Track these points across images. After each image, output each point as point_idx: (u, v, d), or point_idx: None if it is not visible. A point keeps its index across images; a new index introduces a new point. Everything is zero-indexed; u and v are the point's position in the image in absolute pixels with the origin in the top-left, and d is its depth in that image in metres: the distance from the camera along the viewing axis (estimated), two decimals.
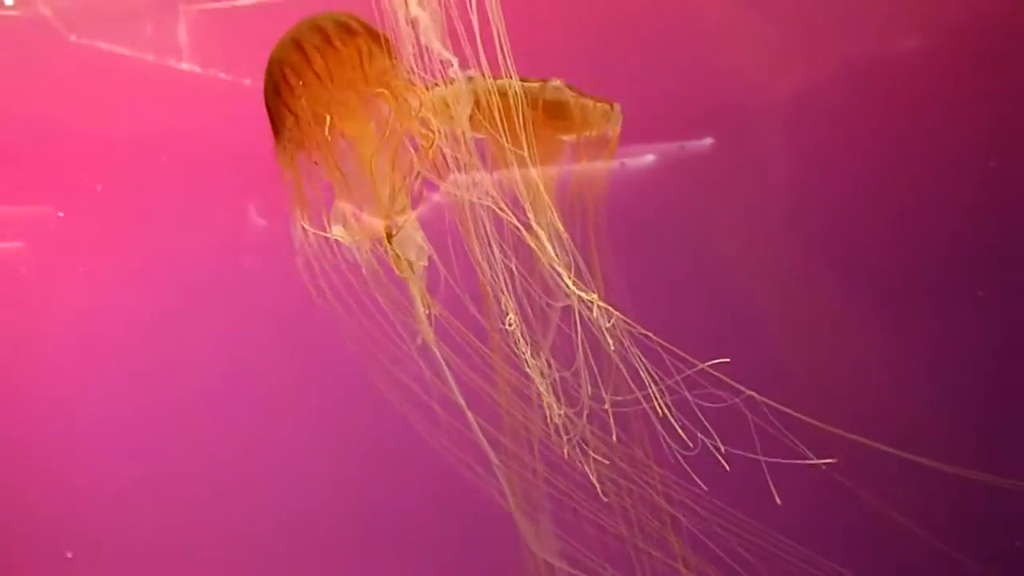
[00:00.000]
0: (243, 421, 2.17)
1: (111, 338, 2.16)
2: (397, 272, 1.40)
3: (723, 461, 1.29)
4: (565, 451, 1.34)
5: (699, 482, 1.43)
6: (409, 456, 1.99)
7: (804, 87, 2.02)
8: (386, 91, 1.36)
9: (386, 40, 1.34)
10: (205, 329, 2.16)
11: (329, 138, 1.36)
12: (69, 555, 2.17)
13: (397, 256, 1.38)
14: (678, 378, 1.29)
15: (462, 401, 1.45)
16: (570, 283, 1.28)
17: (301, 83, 1.34)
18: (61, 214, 2.16)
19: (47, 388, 2.16)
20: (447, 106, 1.35)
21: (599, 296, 1.29)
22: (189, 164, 2.13)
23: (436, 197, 1.46)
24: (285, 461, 2.17)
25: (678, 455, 1.33)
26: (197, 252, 2.14)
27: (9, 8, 2.09)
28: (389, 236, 1.37)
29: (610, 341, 1.28)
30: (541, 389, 1.33)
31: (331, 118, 1.36)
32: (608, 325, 1.29)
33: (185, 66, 2.09)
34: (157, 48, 2.10)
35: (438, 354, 1.44)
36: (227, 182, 2.11)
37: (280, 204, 1.53)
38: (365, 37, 1.35)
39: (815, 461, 1.32)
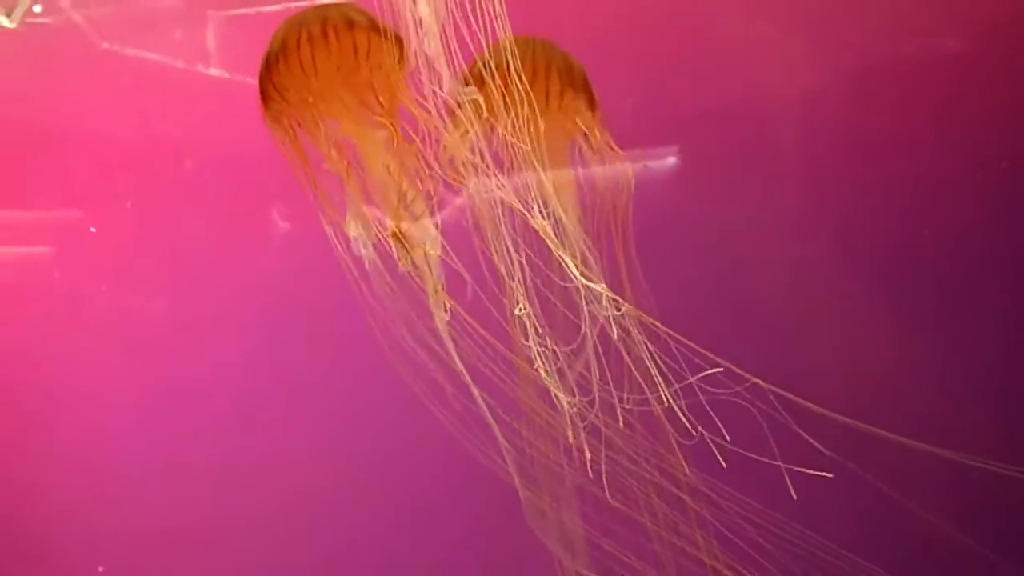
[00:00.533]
0: (271, 422, 2.19)
1: (137, 339, 2.18)
2: (401, 265, 1.40)
3: (720, 458, 1.30)
4: (569, 434, 1.34)
5: (720, 480, 1.43)
6: (430, 454, 2.00)
7: (817, 89, 2.02)
8: (381, 107, 1.37)
9: (389, 36, 1.34)
10: (229, 331, 2.18)
11: (322, 130, 1.38)
12: (100, 570, 2.18)
13: (404, 249, 1.38)
14: (695, 379, 1.29)
15: (479, 395, 1.45)
16: (577, 273, 1.29)
17: (288, 69, 1.35)
18: (93, 229, 2.19)
19: (79, 397, 2.19)
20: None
21: (607, 287, 1.30)
22: (215, 168, 2.15)
23: (458, 200, 1.47)
24: (317, 464, 2.18)
25: (691, 450, 1.34)
26: (221, 255, 2.17)
27: (41, 16, 2.12)
28: (397, 229, 1.38)
29: (614, 328, 1.29)
30: (545, 375, 1.33)
31: (320, 110, 1.37)
32: (617, 315, 1.29)
33: (213, 71, 2.12)
34: (186, 54, 2.13)
35: (453, 349, 1.44)
36: (251, 186, 2.13)
37: (303, 208, 1.54)
38: (367, 33, 1.34)
39: (814, 472, 1.33)
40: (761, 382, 1.26)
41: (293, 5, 2.01)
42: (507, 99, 1.30)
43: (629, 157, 2.01)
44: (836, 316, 2.02)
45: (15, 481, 2.16)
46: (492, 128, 1.35)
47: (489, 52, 1.30)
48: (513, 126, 1.32)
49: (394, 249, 1.38)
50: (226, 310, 2.18)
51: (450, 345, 1.44)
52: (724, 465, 1.31)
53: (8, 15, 2.00)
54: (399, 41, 1.34)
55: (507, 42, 1.30)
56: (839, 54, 2.03)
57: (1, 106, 2.21)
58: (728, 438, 1.27)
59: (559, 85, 1.41)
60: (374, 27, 1.35)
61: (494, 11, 1.31)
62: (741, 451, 1.30)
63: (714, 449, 1.28)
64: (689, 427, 1.28)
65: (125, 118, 2.19)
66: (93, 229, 2.19)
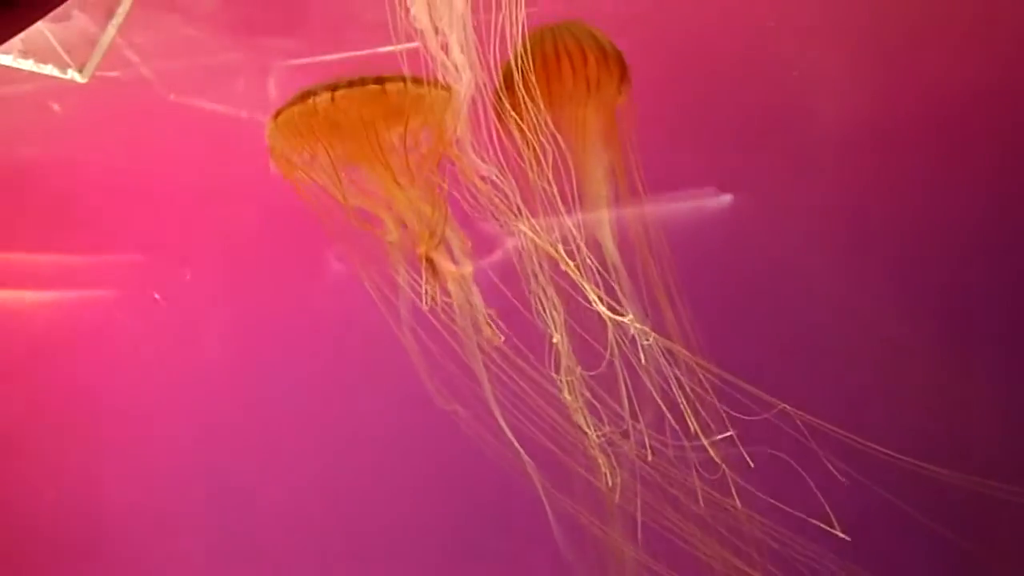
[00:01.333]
0: (325, 458, 2.20)
1: (195, 377, 2.22)
2: (428, 291, 1.41)
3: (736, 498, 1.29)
4: (601, 463, 1.34)
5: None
6: (481, 488, 2.00)
7: (871, 130, 2.00)
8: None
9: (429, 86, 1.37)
10: (286, 369, 2.21)
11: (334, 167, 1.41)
12: None
13: (433, 273, 1.40)
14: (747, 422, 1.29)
15: (503, 421, 1.46)
16: (603, 307, 1.30)
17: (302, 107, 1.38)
18: (158, 296, 2.26)
19: (137, 432, 2.24)
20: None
21: (635, 319, 1.31)
22: (273, 212, 2.20)
23: (510, 243, 1.49)
24: (367, 497, 2.19)
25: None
26: (279, 295, 2.21)
27: (111, 70, 2.19)
28: (426, 255, 1.40)
29: (642, 356, 1.29)
30: (573, 402, 1.33)
31: (334, 147, 1.41)
32: (647, 344, 1.30)
33: None
34: (248, 103, 2.19)
35: (487, 383, 1.45)
36: (309, 229, 2.17)
37: (358, 250, 1.57)
38: (401, 82, 1.37)
39: (830, 528, 1.32)
40: (787, 407, 1.26)
41: (351, 54, 2.07)
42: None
43: (683, 196, 2.03)
44: (887, 354, 1.98)
45: (75, 508, 2.21)
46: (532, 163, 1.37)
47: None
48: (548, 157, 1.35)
49: (424, 277, 1.40)
50: (284, 347, 2.22)
51: (485, 381, 1.45)
52: (738, 505, 1.30)
53: (80, 70, 2.06)
54: (445, 91, 1.37)
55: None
56: (893, 92, 2.02)
57: (72, 156, 2.30)
58: (752, 465, 1.27)
59: (596, 72, 1.43)
60: (413, 80, 1.38)
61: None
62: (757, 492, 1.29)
63: (727, 482, 1.28)
64: (718, 459, 1.28)
65: (190, 166, 2.26)
66: (157, 296, 2.25)
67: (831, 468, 1.31)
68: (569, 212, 1.37)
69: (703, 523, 1.41)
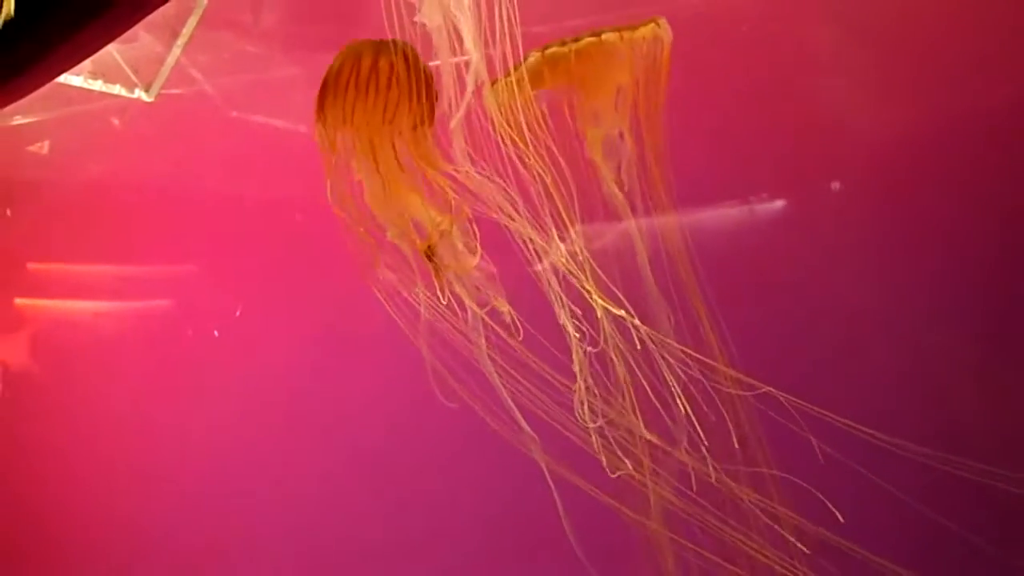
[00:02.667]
0: (373, 470, 2.25)
1: (248, 385, 2.28)
2: (438, 282, 1.43)
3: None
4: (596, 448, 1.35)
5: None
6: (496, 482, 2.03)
7: (919, 131, 1.99)
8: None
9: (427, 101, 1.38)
10: (337, 378, 2.26)
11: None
12: None
13: (437, 267, 1.42)
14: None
15: (526, 425, 1.47)
16: (599, 300, 1.31)
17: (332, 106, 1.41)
18: (216, 333, 2.33)
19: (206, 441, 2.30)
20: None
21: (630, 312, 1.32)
22: (324, 222, 2.24)
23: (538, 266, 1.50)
24: (405, 506, 2.24)
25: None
26: (330, 303, 2.25)
27: (175, 87, 2.24)
28: (429, 250, 1.42)
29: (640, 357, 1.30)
30: (581, 406, 1.35)
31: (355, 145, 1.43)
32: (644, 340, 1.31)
33: None
34: (307, 118, 2.22)
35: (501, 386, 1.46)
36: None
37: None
38: (404, 90, 1.39)
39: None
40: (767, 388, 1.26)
41: None
42: None
43: (732, 203, 2.04)
44: (924, 366, 1.97)
45: (129, 514, 2.28)
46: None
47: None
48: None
49: (433, 273, 1.42)
50: (331, 355, 2.27)
51: (496, 376, 1.46)
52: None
53: (147, 89, 2.12)
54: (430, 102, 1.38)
55: None
56: (929, 100, 2.00)
57: (137, 172, 2.37)
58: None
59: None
60: (418, 81, 1.38)
61: None
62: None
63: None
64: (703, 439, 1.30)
65: (251, 180, 2.31)
66: (216, 333, 2.32)
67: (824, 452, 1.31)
68: (574, 208, 1.37)
69: (709, 509, 1.42)
